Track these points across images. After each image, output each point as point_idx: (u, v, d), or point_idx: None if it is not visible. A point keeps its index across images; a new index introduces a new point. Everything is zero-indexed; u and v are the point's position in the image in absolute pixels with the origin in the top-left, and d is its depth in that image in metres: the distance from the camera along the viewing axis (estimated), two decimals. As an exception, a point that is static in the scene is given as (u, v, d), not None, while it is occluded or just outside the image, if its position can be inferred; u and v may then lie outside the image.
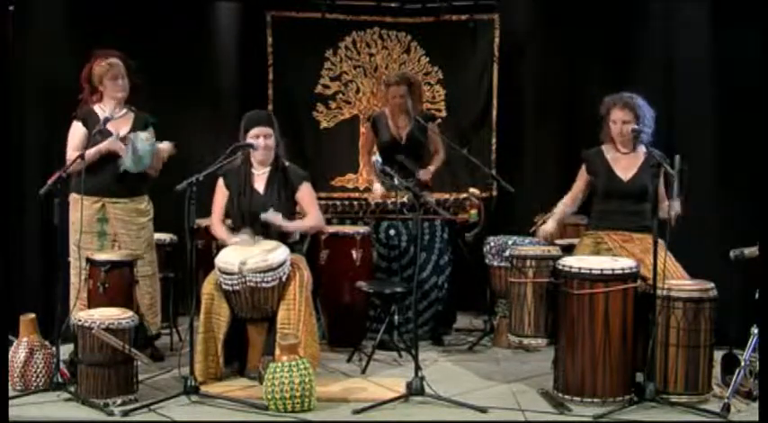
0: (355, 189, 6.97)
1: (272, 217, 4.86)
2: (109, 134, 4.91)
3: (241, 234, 4.87)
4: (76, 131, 5.00)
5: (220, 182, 5.07)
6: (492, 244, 5.58)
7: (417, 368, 4.46)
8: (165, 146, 5.10)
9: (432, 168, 6.05)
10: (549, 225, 5.01)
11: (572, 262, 4.51)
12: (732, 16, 5.51)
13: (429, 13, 6.98)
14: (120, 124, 4.99)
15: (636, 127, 4.75)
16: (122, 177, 4.95)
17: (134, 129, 5.01)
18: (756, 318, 4.32)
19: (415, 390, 4.42)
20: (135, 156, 4.88)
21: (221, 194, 5.06)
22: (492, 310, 5.77)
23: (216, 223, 5.07)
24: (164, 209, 5.27)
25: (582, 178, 5.02)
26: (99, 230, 5.00)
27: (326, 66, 7.04)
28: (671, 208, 4.58)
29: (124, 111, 5.04)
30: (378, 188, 5.97)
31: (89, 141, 4.90)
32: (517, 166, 6.77)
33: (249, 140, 4.97)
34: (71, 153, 4.92)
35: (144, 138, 4.93)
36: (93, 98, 5.05)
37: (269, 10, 6.94)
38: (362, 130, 6.78)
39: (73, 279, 5.00)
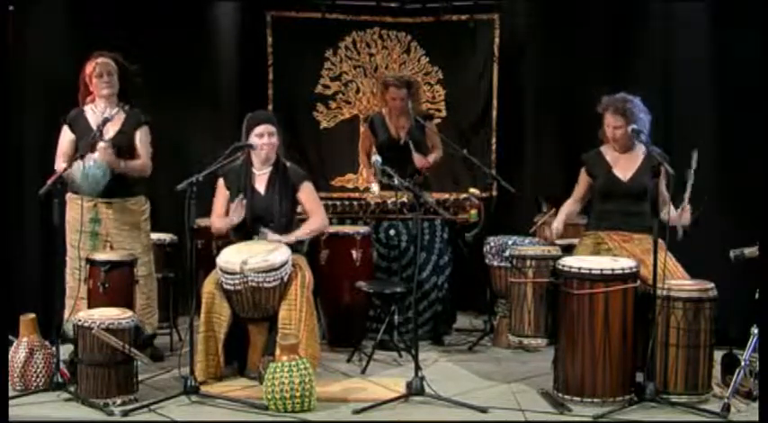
0: (355, 189, 6.97)
1: (270, 237, 4.87)
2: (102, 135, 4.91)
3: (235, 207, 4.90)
4: (64, 137, 5.02)
5: (221, 182, 5.07)
6: (492, 244, 5.58)
7: (417, 368, 4.46)
8: (101, 151, 4.85)
9: (430, 158, 6.08)
10: (556, 223, 4.98)
11: (572, 262, 4.51)
12: (732, 16, 5.50)
13: (429, 13, 6.98)
14: (110, 124, 4.96)
15: (635, 127, 4.74)
16: (116, 178, 4.93)
17: (123, 129, 5.00)
18: (756, 318, 4.32)
19: (415, 390, 4.42)
20: (87, 178, 4.79)
21: (222, 195, 5.06)
22: (492, 310, 5.77)
23: (215, 221, 5.06)
24: (164, 209, 5.27)
25: (583, 181, 5.02)
26: (91, 230, 4.99)
27: (326, 66, 7.04)
28: (681, 217, 4.50)
29: (116, 110, 5.02)
30: (376, 189, 5.98)
31: (77, 146, 4.92)
32: (517, 166, 6.76)
33: (253, 138, 4.97)
34: (58, 161, 4.94)
35: (93, 163, 4.80)
36: (86, 99, 5.06)
37: (269, 10, 6.94)
38: (362, 129, 6.78)
39: (68, 278, 5.00)
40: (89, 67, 5.00)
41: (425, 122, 6.06)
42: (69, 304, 4.89)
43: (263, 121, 5.01)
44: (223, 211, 5.06)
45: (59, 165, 4.86)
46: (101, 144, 4.83)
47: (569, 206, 5.06)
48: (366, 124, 6.25)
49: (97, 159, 4.80)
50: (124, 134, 4.99)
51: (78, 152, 4.82)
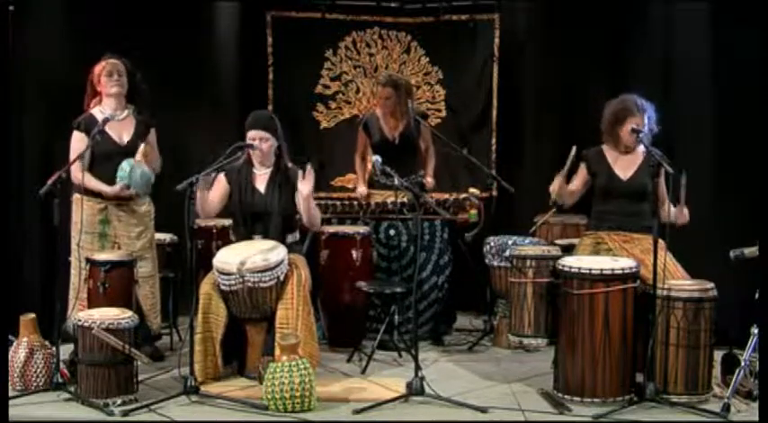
0: (355, 189, 6.96)
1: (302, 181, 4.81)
2: (107, 137, 4.90)
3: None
4: (79, 144, 4.94)
5: (221, 176, 5.02)
6: (492, 244, 5.58)
7: (417, 368, 4.46)
8: (139, 152, 5.02)
9: (430, 172, 6.07)
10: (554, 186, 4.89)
11: (572, 262, 4.51)
12: (732, 16, 5.51)
13: (429, 13, 6.98)
14: (122, 128, 5.01)
15: (634, 127, 4.76)
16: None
17: (136, 135, 5.04)
18: (756, 318, 4.32)
19: (415, 390, 4.42)
20: (141, 181, 4.94)
21: (219, 186, 5.02)
22: (492, 310, 5.78)
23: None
24: (164, 209, 5.27)
25: (580, 177, 5.01)
26: (100, 232, 5.01)
27: (326, 66, 7.04)
28: (679, 216, 4.69)
29: (126, 113, 5.05)
30: (361, 190, 5.99)
31: (93, 150, 4.91)
32: (517, 166, 6.76)
33: (248, 142, 4.97)
34: (75, 168, 4.81)
35: (127, 166, 4.91)
36: (93, 101, 5.07)
37: (269, 10, 6.94)
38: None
39: (73, 279, 5.01)
40: (98, 67, 5.03)
41: (421, 121, 6.04)
42: (73, 303, 4.89)
43: (254, 127, 4.98)
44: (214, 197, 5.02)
45: (77, 173, 4.81)
46: (143, 146, 4.98)
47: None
48: (360, 126, 6.21)
49: (141, 162, 4.92)
50: (137, 139, 5.03)
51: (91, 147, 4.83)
